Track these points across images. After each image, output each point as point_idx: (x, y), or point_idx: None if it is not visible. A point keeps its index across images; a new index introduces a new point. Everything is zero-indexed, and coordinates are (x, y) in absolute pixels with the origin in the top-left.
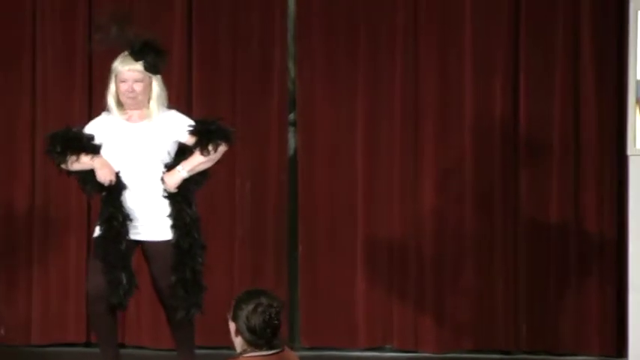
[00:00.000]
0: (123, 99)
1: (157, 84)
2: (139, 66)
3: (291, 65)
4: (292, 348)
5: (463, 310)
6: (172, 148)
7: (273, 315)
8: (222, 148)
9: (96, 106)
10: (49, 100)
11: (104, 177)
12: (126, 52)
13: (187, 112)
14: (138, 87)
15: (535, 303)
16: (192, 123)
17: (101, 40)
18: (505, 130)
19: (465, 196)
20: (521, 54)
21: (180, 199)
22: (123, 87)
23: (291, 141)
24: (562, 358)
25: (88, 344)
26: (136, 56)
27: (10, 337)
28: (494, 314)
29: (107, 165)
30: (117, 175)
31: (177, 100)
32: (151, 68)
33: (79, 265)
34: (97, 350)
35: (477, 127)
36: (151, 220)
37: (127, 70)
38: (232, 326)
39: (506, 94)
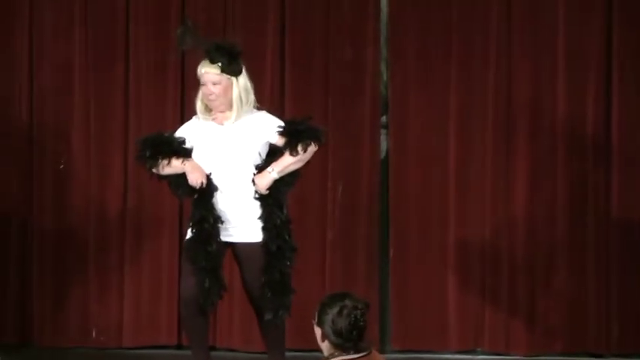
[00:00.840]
0: (205, 101)
1: (237, 85)
2: (215, 68)
3: (383, 68)
4: (383, 351)
5: (554, 312)
6: (263, 150)
7: (358, 317)
8: (312, 148)
9: (188, 110)
10: (142, 104)
11: (195, 180)
12: (205, 57)
13: (280, 115)
14: (216, 89)
15: (627, 305)
16: (282, 124)
17: (179, 45)
18: (597, 131)
19: (557, 197)
20: (614, 56)
21: (272, 201)
22: (203, 90)
23: (383, 143)
24: None
25: (179, 347)
26: (212, 59)
27: (102, 340)
28: (585, 316)
29: (198, 168)
30: (208, 177)
31: (269, 103)
32: (228, 69)
33: (171, 268)
34: (188, 353)
35: (568, 129)
36: (242, 222)
37: (204, 74)
38: (318, 331)
39: (599, 96)
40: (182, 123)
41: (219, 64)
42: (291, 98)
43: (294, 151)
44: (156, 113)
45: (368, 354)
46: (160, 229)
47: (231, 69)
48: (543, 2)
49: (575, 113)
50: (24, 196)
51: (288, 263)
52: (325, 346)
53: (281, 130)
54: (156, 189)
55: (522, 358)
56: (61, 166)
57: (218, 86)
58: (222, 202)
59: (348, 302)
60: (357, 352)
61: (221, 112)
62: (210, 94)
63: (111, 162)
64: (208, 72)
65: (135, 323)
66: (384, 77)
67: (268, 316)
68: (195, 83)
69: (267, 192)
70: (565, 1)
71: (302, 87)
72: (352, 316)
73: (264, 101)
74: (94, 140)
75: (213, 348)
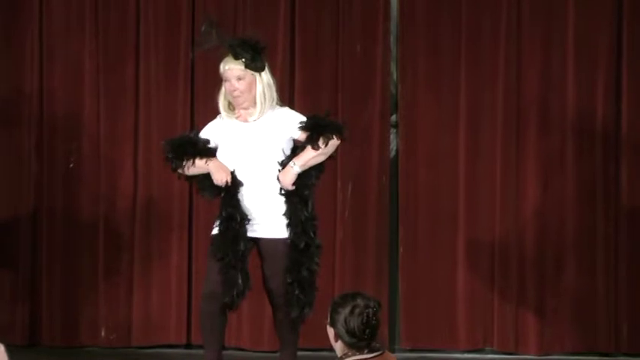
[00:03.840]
0: (229, 98)
1: (260, 81)
2: (239, 64)
3: (393, 67)
4: (392, 350)
5: (564, 311)
6: (287, 146)
7: (370, 315)
8: (334, 142)
9: (198, 110)
10: (152, 105)
11: (220, 179)
12: (228, 54)
13: None
14: (240, 85)
15: (636, 304)
16: (304, 119)
17: (202, 43)
18: (607, 129)
19: (567, 196)
20: (624, 52)
21: (297, 197)
22: (227, 86)
23: (393, 142)
24: None
25: (188, 346)
26: (236, 55)
27: (111, 339)
28: (594, 316)
29: (222, 167)
30: (232, 174)
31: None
32: (252, 65)
33: (180, 267)
34: (198, 351)
35: (578, 126)
36: (267, 218)
37: (227, 70)
38: (331, 332)
39: (608, 93)
40: (192, 123)
41: (243, 59)
42: (300, 97)
43: (315, 145)
44: (166, 114)
45: (381, 354)
46: (170, 228)
47: (254, 65)
48: None
49: (584, 110)
50: (34, 196)
51: (316, 260)
52: (339, 346)
53: (303, 125)
54: (166, 189)
55: (532, 357)
56: (71, 165)
57: (242, 82)
58: (247, 198)
59: (360, 301)
60: (370, 351)
61: (244, 108)
62: (235, 90)
63: (121, 162)
64: (232, 68)
65: (144, 322)
66: (394, 76)
67: (295, 314)
68: (205, 82)
69: (293, 187)
70: None
71: (312, 86)
72: (364, 314)
73: (279, 101)
74: (104, 140)
75: (223, 347)
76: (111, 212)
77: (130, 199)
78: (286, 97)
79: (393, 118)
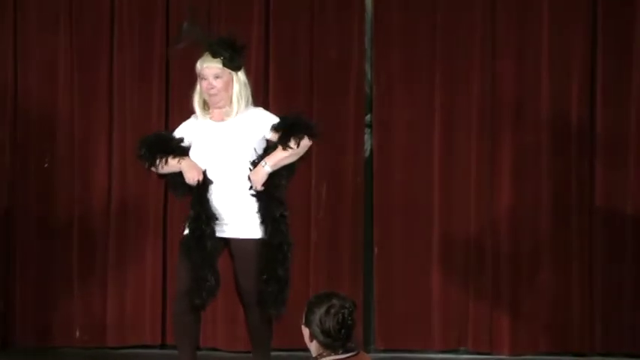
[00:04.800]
0: (205, 97)
1: (237, 81)
2: (217, 62)
3: (367, 67)
4: (367, 351)
5: (538, 311)
6: (259, 146)
7: (346, 315)
8: (306, 142)
9: (173, 109)
10: (127, 104)
11: (192, 178)
12: (206, 52)
13: None
14: (218, 83)
15: (611, 303)
16: (276, 119)
17: (180, 39)
18: (581, 128)
19: (542, 196)
20: (599, 53)
21: (268, 196)
22: (204, 84)
23: (367, 142)
24: None
25: (163, 346)
26: (214, 53)
27: (86, 340)
28: (569, 315)
29: (194, 166)
30: (204, 173)
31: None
32: (230, 64)
33: (154, 267)
34: (172, 352)
35: (553, 126)
36: (238, 219)
37: (205, 67)
38: (306, 332)
39: (583, 94)
40: (166, 122)
41: (222, 58)
42: (275, 97)
43: (286, 145)
44: (140, 113)
45: (356, 354)
46: (144, 228)
47: (232, 63)
48: (528, 0)
49: (559, 110)
50: (7, 195)
51: (290, 258)
52: (314, 346)
53: (275, 125)
54: (140, 189)
55: (506, 357)
56: (45, 165)
57: (220, 80)
58: (218, 198)
59: (335, 301)
60: (345, 351)
61: (220, 107)
62: (212, 88)
63: (95, 162)
64: (210, 66)
65: (119, 323)
66: (369, 76)
67: (272, 312)
68: (180, 81)
69: (263, 188)
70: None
71: (286, 86)
72: (340, 315)
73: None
74: (78, 140)
75: (197, 348)
76: (85, 212)
77: (104, 198)
78: (261, 98)
79: (368, 118)
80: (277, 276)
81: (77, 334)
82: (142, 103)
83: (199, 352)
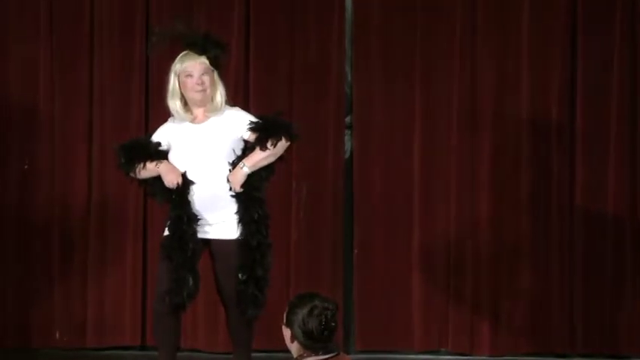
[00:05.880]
0: (191, 94)
1: (219, 79)
2: (204, 59)
3: (347, 68)
4: (347, 352)
5: (519, 312)
6: (237, 146)
7: (329, 317)
8: (283, 143)
9: (152, 111)
10: (107, 106)
11: (171, 181)
12: (185, 52)
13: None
14: (206, 79)
15: (591, 305)
16: (254, 119)
17: (160, 36)
18: (561, 129)
19: (522, 197)
20: (579, 52)
21: (247, 197)
22: (190, 82)
23: (348, 143)
24: None
25: (143, 347)
26: (200, 50)
27: (66, 341)
28: (549, 317)
29: (173, 169)
30: (183, 176)
31: (234, 103)
32: (215, 62)
33: (134, 269)
34: (153, 353)
35: (533, 127)
36: (218, 219)
37: (192, 64)
38: (287, 332)
39: (563, 93)
40: (146, 124)
41: (208, 55)
42: (255, 98)
43: (264, 146)
44: (120, 115)
45: (337, 355)
46: (125, 230)
47: (217, 62)
48: (508, 0)
49: (539, 110)
50: None
51: (269, 258)
52: (294, 347)
53: (252, 125)
54: (120, 190)
55: (487, 358)
56: (25, 167)
57: (207, 76)
58: (198, 200)
59: (317, 302)
60: (326, 352)
61: (201, 106)
62: (201, 84)
63: (75, 163)
64: (197, 63)
65: (99, 324)
66: (349, 77)
67: (250, 312)
68: (160, 82)
69: (242, 189)
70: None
71: (266, 87)
72: (323, 316)
73: (229, 101)
74: (59, 141)
75: (177, 349)
76: (65, 213)
77: (84, 199)
78: (241, 98)
79: (348, 119)
80: (256, 276)
81: (57, 335)
82: (122, 104)
83: (180, 354)
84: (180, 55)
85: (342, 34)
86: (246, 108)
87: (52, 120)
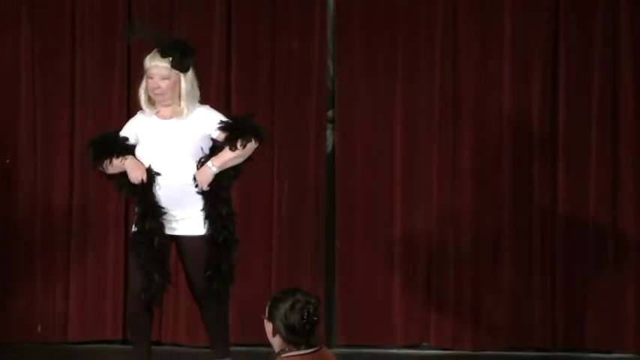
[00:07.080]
0: (151, 94)
1: (185, 82)
2: (165, 63)
3: (329, 62)
4: (329, 346)
5: (500, 308)
6: (205, 144)
7: (311, 311)
8: (252, 145)
9: (134, 107)
10: (89, 100)
11: (136, 177)
12: (155, 50)
13: (226, 110)
14: (164, 84)
15: (572, 301)
16: (224, 119)
17: (135, 30)
18: (543, 127)
19: (503, 194)
20: (561, 51)
21: (214, 195)
22: (150, 83)
23: (330, 138)
24: (599, 355)
25: (124, 341)
26: (164, 53)
27: (47, 335)
28: (531, 312)
29: (138, 165)
30: (149, 172)
31: (216, 98)
32: (178, 66)
33: (116, 263)
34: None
35: (515, 125)
36: (185, 216)
37: (153, 66)
38: (269, 327)
39: (545, 92)
40: (128, 118)
41: (171, 58)
42: (237, 93)
43: (233, 147)
44: (102, 109)
45: (319, 349)
46: (106, 225)
47: (181, 65)
48: None
49: (521, 108)
50: None
51: (235, 255)
52: (276, 341)
53: (222, 125)
54: (102, 186)
55: (468, 352)
56: (7, 161)
57: (166, 81)
58: (165, 196)
59: (300, 297)
60: (308, 347)
61: (165, 106)
62: (157, 88)
63: (57, 158)
64: (158, 66)
65: (80, 318)
66: (331, 71)
67: (213, 309)
68: (141, 80)
69: (209, 187)
70: None
71: (248, 82)
72: (305, 310)
73: (211, 96)
74: (40, 136)
75: (158, 343)
76: (47, 208)
77: (66, 194)
78: (222, 93)
79: (330, 113)
80: (221, 272)
81: (39, 329)
82: (104, 100)
83: (161, 348)
84: (151, 52)
85: (324, 27)
86: (227, 104)
87: (34, 115)
